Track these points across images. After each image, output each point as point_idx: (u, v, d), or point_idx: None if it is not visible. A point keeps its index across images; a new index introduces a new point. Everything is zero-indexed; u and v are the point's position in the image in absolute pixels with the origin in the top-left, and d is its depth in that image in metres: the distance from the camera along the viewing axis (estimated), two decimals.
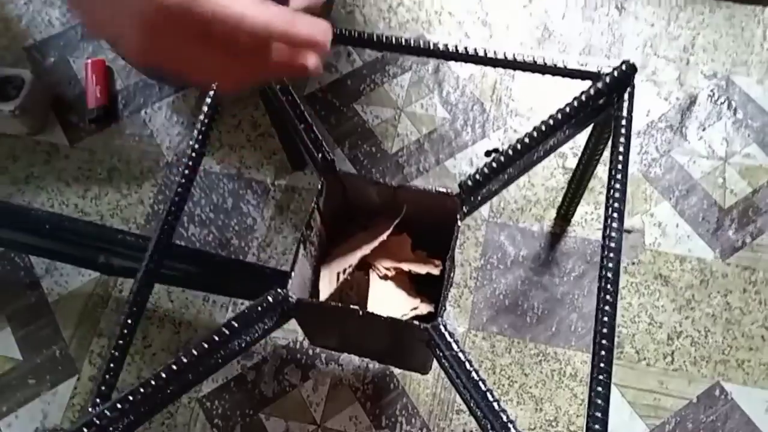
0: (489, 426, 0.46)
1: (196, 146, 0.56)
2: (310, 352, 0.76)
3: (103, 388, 0.48)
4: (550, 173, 0.85)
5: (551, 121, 0.56)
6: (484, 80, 0.92)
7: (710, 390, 0.73)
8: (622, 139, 0.55)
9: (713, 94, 0.90)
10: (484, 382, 0.47)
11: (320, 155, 0.57)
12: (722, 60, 0.92)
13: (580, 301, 0.78)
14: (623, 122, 0.56)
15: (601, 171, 0.85)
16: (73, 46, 0.98)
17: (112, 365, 0.50)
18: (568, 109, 0.56)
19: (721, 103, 0.89)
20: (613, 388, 0.72)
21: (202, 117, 0.57)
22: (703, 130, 0.88)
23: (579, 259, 0.80)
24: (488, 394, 0.47)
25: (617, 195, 0.53)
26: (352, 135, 0.89)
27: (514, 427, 0.45)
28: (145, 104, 0.93)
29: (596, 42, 0.95)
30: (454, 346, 0.49)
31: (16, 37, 0.99)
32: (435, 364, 0.74)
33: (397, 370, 0.75)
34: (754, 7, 0.96)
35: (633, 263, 0.80)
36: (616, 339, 0.75)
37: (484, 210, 0.83)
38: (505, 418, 0.46)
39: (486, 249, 0.81)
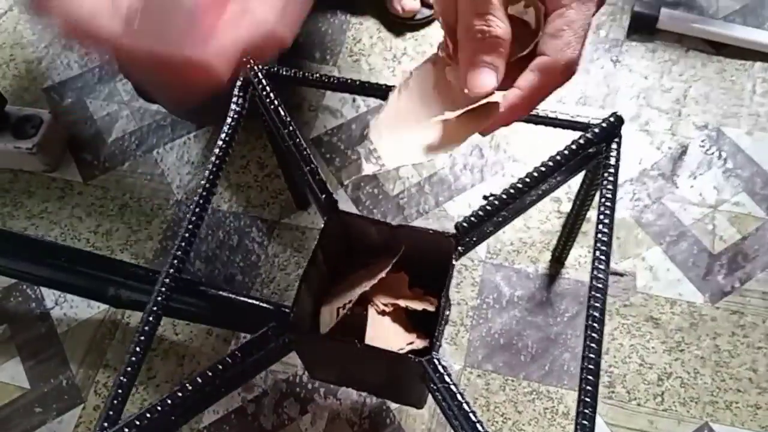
0: None
1: (207, 185, 0.60)
2: (309, 386, 0.78)
3: (110, 413, 0.50)
4: (546, 217, 0.88)
5: (543, 168, 0.59)
6: None
7: (699, 431, 0.74)
8: (609, 186, 0.58)
9: (704, 144, 0.93)
10: (474, 413, 0.49)
11: (324, 196, 0.60)
12: (713, 112, 0.96)
13: (573, 342, 0.80)
14: (611, 170, 0.59)
15: (595, 216, 0.88)
16: (90, 88, 1.03)
17: (120, 391, 0.52)
18: (559, 157, 0.59)
19: (712, 153, 0.93)
20: (603, 427, 0.74)
21: (213, 158, 0.61)
22: (694, 178, 0.91)
23: (573, 300, 0.82)
24: (478, 426, 0.49)
25: (604, 238, 0.56)
26: (354, 177, 0.92)
27: None
28: (157, 144, 0.97)
29: (592, 93, 0.99)
30: (447, 379, 0.51)
31: (36, 78, 1.04)
32: (430, 399, 0.76)
33: (393, 405, 0.76)
34: (744, 62, 1.00)
35: (625, 305, 0.82)
36: (607, 379, 0.77)
37: (481, 251, 0.86)
38: None
39: (482, 289, 0.84)
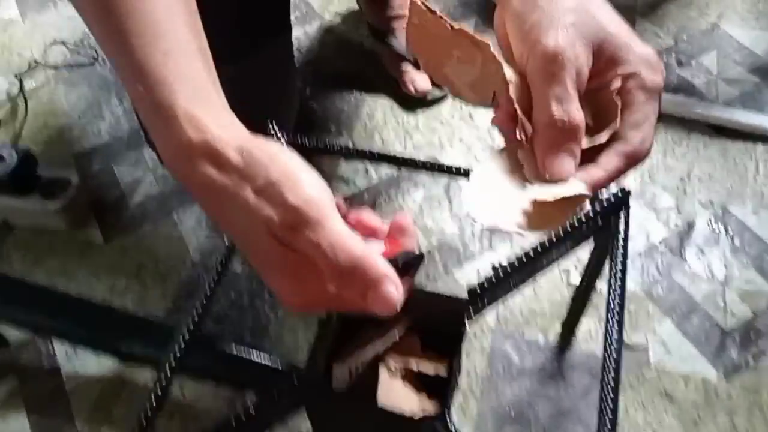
0: None
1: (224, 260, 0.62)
2: None
3: None
4: (555, 287, 0.89)
5: (553, 238, 0.61)
6: None
7: None
8: (620, 257, 0.60)
9: (710, 221, 0.95)
10: None
11: None
12: (717, 190, 0.98)
13: (586, 416, 0.79)
14: (620, 240, 0.60)
15: (605, 288, 0.89)
16: (118, 155, 1.07)
17: None
18: (569, 228, 0.61)
19: (719, 231, 0.94)
20: None
21: None
22: (703, 254, 0.92)
23: (585, 373, 0.82)
24: None
25: (617, 309, 0.57)
26: None
27: None
28: (176, 209, 1.00)
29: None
30: None
31: (67, 143, 1.09)
32: None
33: None
34: (746, 144, 1.03)
35: (638, 379, 0.81)
36: None
37: (491, 319, 0.86)
38: None
39: (492, 358, 0.83)
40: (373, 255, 0.37)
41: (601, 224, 0.63)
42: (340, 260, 0.36)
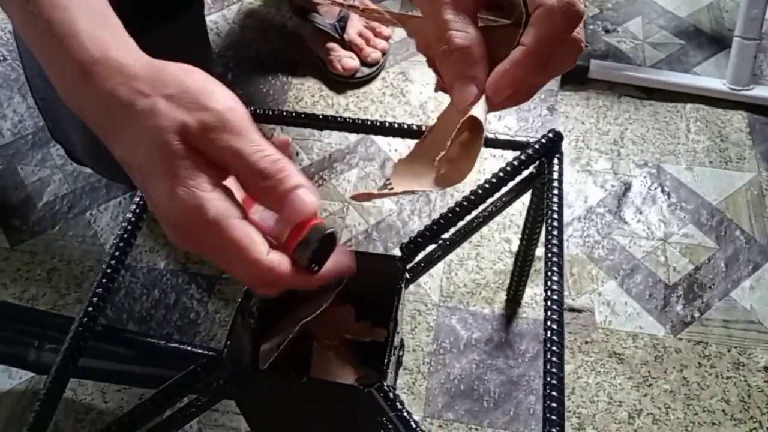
0: None
1: (129, 225, 0.56)
2: None
3: None
4: (498, 257, 0.86)
5: (486, 185, 0.58)
6: None
7: None
8: (555, 204, 0.57)
9: (646, 180, 0.94)
10: None
11: None
12: (651, 150, 0.98)
13: (537, 383, 0.75)
14: (555, 184, 0.57)
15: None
16: (22, 154, 0.99)
17: None
18: (501, 173, 0.58)
19: (655, 189, 0.93)
20: None
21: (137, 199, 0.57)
22: (640, 213, 0.91)
23: (532, 340, 0.79)
24: None
25: (555, 259, 0.54)
26: None
27: None
28: (90, 206, 0.92)
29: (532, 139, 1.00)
30: (399, 405, 0.46)
31: None
32: None
33: None
34: (676, 104, 1.04)
35: (586, 342, 0.79)
36: (576, 420, 0.73)
37: (434, 295, 0.83)
38: None
39: (438, 333, 0.79)
40: (291, 166, 0.36)
41: (536, 171, 0.60)
42: (263, 164, 0.35)
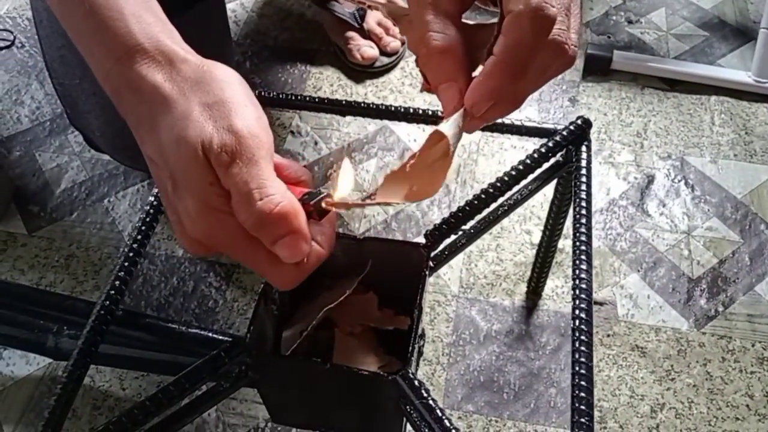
0: None
1: (151, 209, 0.55)
2: None
3: None
4: (518, 249, 0.85)
5: (513, 172, 0.57)
6: None
7: None
8: (583, 192, 0.55)
9: (669, 173, 0.93)
10: (458, 430, 0.44)
11: None
12: (675, 143, 0.96)
13: (558, 376, 0.74)
14: (583, 171, 0.56)
15: (569, 245, 0.85)
16: (40, 141, 0.99)
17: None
18: (528, 161, 0.57)
19: (678, 181, 0.92)
20: None
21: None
22: (664, 206, 0.89)
23: (553, 332, 0.78)
24: None
25: (584, 247, 0.52)
26: None
27: None
28: (108, 193, 0.92)
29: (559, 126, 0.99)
30: (425, 394, 0.45)
31: None
32: None
33: None
34: (700, 96, 1.02)
35: (608, 335, 0.78)
36: (597, 413, 0.71)
37: (454, 286, 0.82)
38: None
39: (457, 324, 0.78)
40: (295, 207, 0.36)
41: (562, 160, 0.59)
42: (262, 205, 0.34)
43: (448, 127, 0.38)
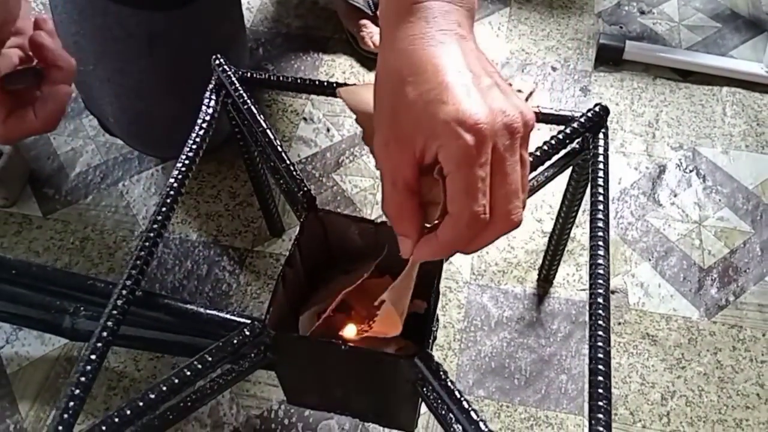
0: None
1: (176, 183, 0.55)
2: (286, 421, 0.71)
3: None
4: (530, 237, 0.86)
5: (530, 158, 0.57)
6: None
7: None
8: (601, 174, 0.56)
9: (681, 163, 0.93)
10: (476, 412, 0.44)
11: (301, 193, 0.56)
12: (686, 133, 0.96)
13: (569, 362, 0.75)
14: (600, 158, 0.57)
15: (579, 233, 0.85)
16: None
17: (69, 411, 0.45)
18: (546, 147, 0.57)
19: (690, 171, 0.92)
20: None
21: (184, 157, 0.57)
22: (675, 196, 0.90)
23: (564, 319, 0.78)
24: (481, 425, 0.43)
25: (601, 233, 0.53)
26: (330, 203, 0.89)
27: None
28: (123, 177, 0.93)
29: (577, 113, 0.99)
30: (443, 375, 0.46)
31: None
32: (421, 424, 0.70)
33: None
34: (712, 87, 1.02)
35: (619, 323, 0.78)
36: None
37: (465, 272, 0.82)
38: None
39: (469, 311, 0.79)
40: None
41: (578, 147, 0.60)
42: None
43: (396, 296, 0.46)
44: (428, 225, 0.41)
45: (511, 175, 0.37)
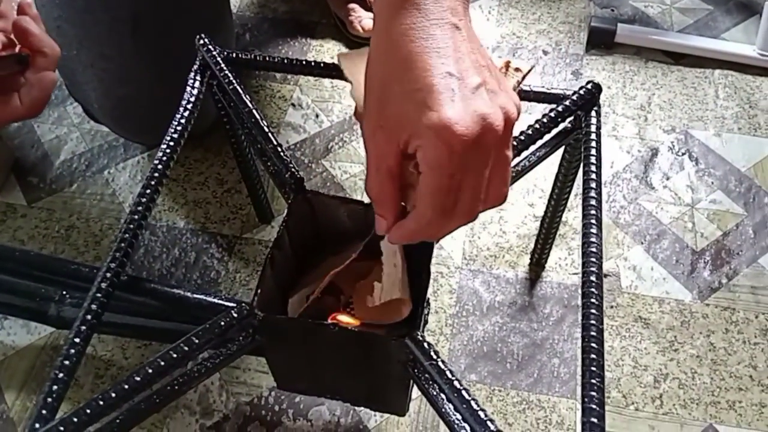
0: None
1: (161, 165, 0.54)
2: (276, 408, 0.70)
3: (43, 411, 0.42)
4: (521, 221, 0.85)
5: (521, 137, 0.56)
6: None
7: None
8: (593, 152, 0.55)
9: (673, 146, 0.93)
10: (468, 391, 0.43)
11: (289, 174, 0.55)
12: (679, 116, 0.96)
13: (561, 346, 0.74)
14: (593, 136, 0.56)
15: (572, 218, 0.85)
16: None
17: (54, 392, 0.44)
18: (537, 125, 0.56)
19: (682, 154, 0.92)
20: None
21: (168, 138, 0.56)
22: (668, 179, 0.89)
23: (556, 303, 0.78)
24: (473, 404, 0.43)
25: (593, 212, 0.52)
26: (320, 189, 0.88)
27: None
28: (108, 165, 0.91)
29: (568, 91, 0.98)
30: (434, 354, 0.45)
31: None
32: (412, 409, 0.69)
33: (371, 424, 0.69)
34: (704, 70, 1.01)
35: (611, 306, 0.78)
36: None
37: (457, 257, 0.81)
38: (492, 428, 0.41)
39: (461, 296, 0.78)
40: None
41: (571, 126, 0.59)
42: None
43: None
44: (407, 208, 0.44)
45: (480, 179, 0.39)
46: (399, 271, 0.52)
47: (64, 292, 0.66)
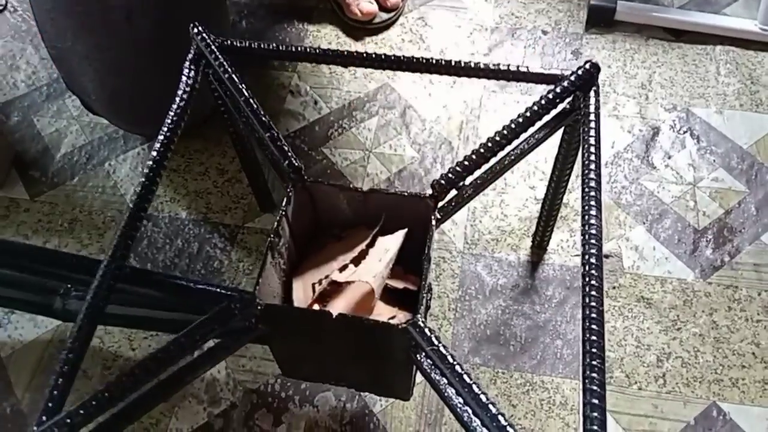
0: (478, 423, 0.42)
1: (158, 156, 0.54)
2: (282, 394, 0.71)
3: (50, 405, 0.43)
4: (523, 204, 0.85)
5: (520, 119, 0.56)
6: (450, 121, 0.93)
7: (707, 411, 0.69)
8: (592, 133, 0.55)
9: (675, 125, 0.92)
10: (469, 375, 0.44)
11: (287, 162, 0.55)
12: (680, 94, 0.95)
13: (564, 328, 0.75)
14: (592, 117, 0.55)
15: (573, 199, 0.85)
16: (38, 105, 0.97)
17: (59, 385, 0.45)
18: (535, 107, 0.56)
19: (684, 133, 0.91)
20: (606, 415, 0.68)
21: (165, 129, 0.56)
22: (669, 158, 0.89)
23: (558, 285, 0.78)
24: (475, 387, 0.43)
25: (593, 193, 0.52)
26: (321, 176, 0.88)
27: (504, 418, 0.41)
28: (109, 157, 0.91)
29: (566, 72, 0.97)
30: (435, 341, 0.45)
31: None
32: (416, 394, 0.69)
33: (377, 408, 0.69)
34: (705, 47, 1.00)
35: (614, 287, 0.78)
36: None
37: (459, 242, 0.81)
38: (494, 410, 0.42)
39: (463, 280, 0.79)
40: None
41: (569, 107, 0.58)
42: None
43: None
44: None
45: None
46: (381, 266, 0.53)
47: (69, 285, 0.66)
